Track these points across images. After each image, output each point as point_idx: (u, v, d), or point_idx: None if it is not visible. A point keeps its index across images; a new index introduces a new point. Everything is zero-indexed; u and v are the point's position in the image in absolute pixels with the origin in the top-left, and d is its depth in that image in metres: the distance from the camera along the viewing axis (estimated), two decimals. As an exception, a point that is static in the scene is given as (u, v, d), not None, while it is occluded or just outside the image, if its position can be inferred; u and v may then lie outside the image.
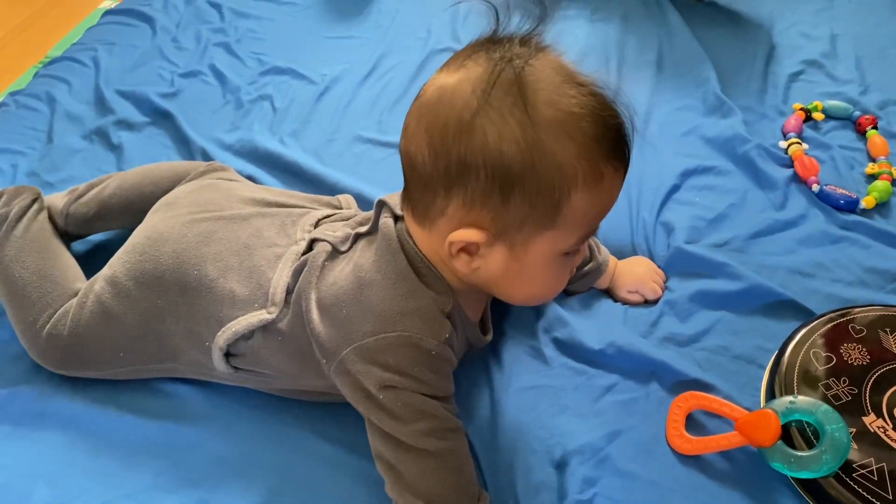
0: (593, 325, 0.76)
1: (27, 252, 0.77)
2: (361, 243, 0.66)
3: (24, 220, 0.80)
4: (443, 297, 0.62)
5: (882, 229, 0.87)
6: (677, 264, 0.84)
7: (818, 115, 1.05)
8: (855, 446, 0.63)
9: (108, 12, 1.38)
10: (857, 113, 1.05)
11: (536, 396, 0.71)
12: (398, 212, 0.64)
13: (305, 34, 1.31)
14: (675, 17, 1.25)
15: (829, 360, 0.70)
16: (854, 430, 0.64)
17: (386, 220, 0.64)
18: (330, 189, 0.94)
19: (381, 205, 0.66)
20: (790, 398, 0.66)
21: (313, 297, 0.64)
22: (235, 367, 0.69)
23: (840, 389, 0.68)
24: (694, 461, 0.66)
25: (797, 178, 0.94)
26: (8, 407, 0.73)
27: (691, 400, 0.69)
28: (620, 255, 0.84)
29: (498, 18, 0.57)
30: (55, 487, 0.67)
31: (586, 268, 0.79)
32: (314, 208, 0.78)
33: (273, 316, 0.65)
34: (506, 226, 0.56)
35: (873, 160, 0.98)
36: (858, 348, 0.71)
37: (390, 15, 1.35)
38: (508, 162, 0.53)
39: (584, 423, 0.69)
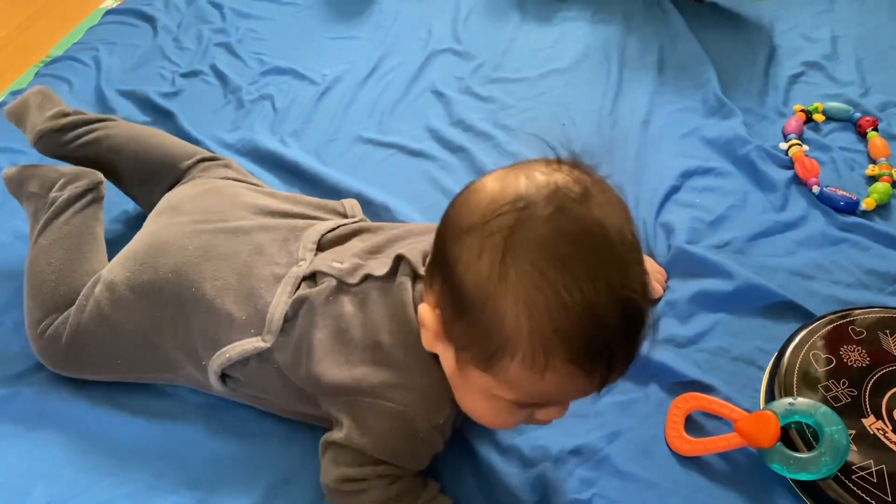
0: (593, 326, 0.76)
1: (57, 247, 0.75)
2: (374, 290, 0.62)
3: (71, 210, 0.78)
4: None
5: (882, 231, 0.87)
6: (677, 265, 0.84)
7: (819, 117, 1.05)
8: (854, 448, 0.63)
9: (110, 12, 1.38)
10: (858, 115, 1.05)
11: (536, 397, 0.71)
12: (420, 270, 0.61)
13: (306, 34, 1.30)
14: (676, 19, 1.25)
15: (828, 361, 0.70)
16: (853, 431, 0.64)
17: (402, 281, 0.61)
18: (330, 189, 0.95)
19: (400, 260, 0.62)
20: (789, 400, 0.66)
21: (316, 338, 0.62)
22: (233, 389, 0.68)
23: (840, 391, 0.68)
24: (693, 462, 0.66)
25: (797, 180, 0.94)
26: (8, 406, 0.73)
27: (691, 401, 0.69)
28: (620, 256, 0.84)
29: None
30: (54, 486, 0.67)
31: None
32: (318, 216, 0.76)
33: (269, 345, 0.64)
34: (452, 336, 0.53)
35: (874, 162, 0.98)
36: (858, 350, 0.71)
37: (391, 15, 1.34)
38: (465, 292, 0.49)
39: (583, 424, 0.69)
